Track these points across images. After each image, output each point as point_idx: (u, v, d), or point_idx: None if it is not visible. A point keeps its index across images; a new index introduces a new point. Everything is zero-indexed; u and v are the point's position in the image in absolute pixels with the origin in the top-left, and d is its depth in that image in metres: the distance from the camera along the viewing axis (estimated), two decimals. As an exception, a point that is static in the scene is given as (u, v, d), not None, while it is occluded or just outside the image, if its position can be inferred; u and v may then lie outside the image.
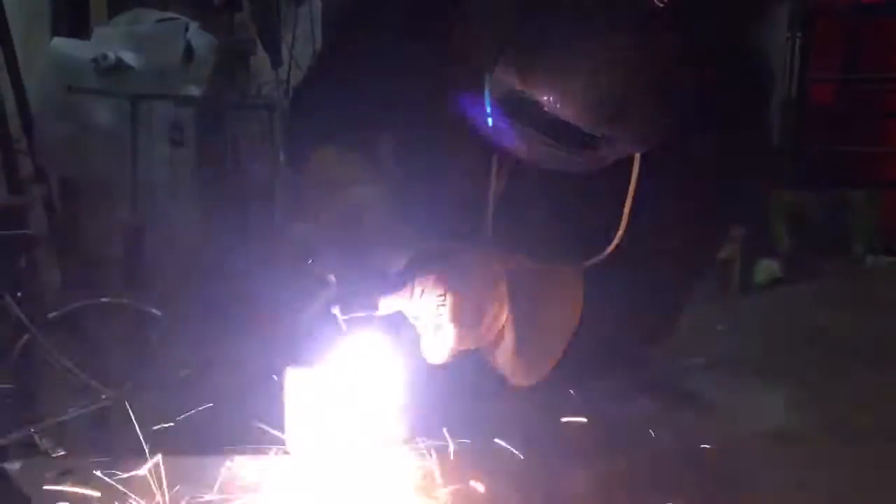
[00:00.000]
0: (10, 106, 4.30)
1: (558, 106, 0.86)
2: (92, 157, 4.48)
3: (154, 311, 3.28)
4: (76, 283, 4.43)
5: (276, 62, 4.91)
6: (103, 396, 2.94)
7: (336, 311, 0.97)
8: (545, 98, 0.86)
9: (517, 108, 0.88)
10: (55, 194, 4.68)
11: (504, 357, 1.03)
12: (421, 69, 1.11)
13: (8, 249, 2.84)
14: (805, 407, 1.07)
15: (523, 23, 0.87)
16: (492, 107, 0.91)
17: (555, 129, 0.88)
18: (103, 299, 3.20)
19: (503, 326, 1.01)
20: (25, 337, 2.87)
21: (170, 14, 4.69)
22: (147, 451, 0.85)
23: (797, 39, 5.42)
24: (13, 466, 0.82)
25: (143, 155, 4.24)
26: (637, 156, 1.05)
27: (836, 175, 5.13)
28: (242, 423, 0.91)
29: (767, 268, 4.61)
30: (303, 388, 0.88)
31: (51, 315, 2.97)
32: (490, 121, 0.92)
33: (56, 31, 4.76)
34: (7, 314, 2.81)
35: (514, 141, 0.93)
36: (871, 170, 5.17)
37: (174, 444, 0.87)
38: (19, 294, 2.81)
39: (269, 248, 4.00)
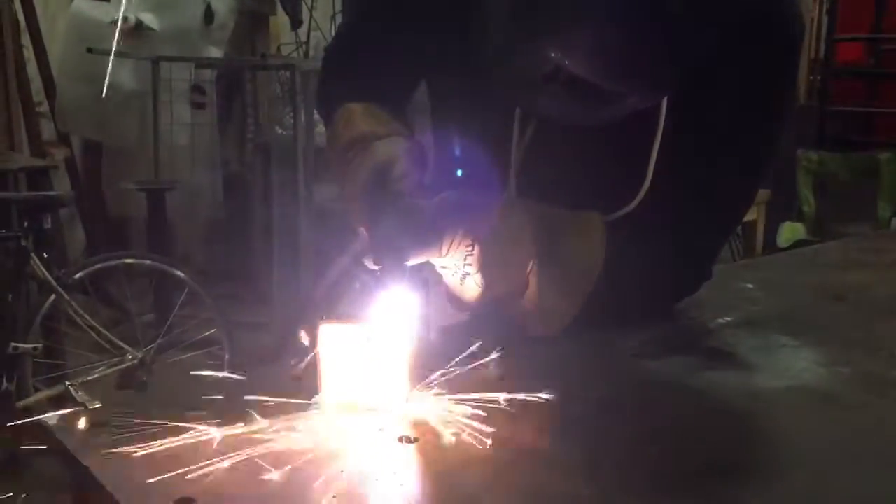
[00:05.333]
0: (32, 69, 4.32)
1: (565, 60, 0.85)
2: (113, 119, 4.50)
3: (177, 272, 3.31)
4: (101, 245, 4.48)
5: (295, 23, 4.90)
6: (128, 356, 3.00)
7: (368, 262, 0.97)
8: (553, 52, 0.85)
9: (530, 63, 0.87)
10: (78, 157, 4.72)
11: (527, 305, 1.04)
12: (448, 25, 1.10)
13: (34, 211, 2.86)
14: (837, 363, 1.06)
15: None
16: (506, 64, 0.90)
17: (567, 82, 0.87)
18: (127, 260, 3.24)
19: (528, 274, 1.01)
20: (52, 297, 2.92)
21: (190, -25, 4.67)
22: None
23: (825, -2, 5.34)
24: (51, 419, 0.83)
25: (164, 117, 4.25)
26: (662, 108, 1.04)
27: (864, 136, 5.06)
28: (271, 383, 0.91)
29: (792, 229, 4.57)
30: (336, 343, 0.88)
31: (76, 276, 3.02)
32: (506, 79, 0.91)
33: (76, -7, 4.76)
34: (34, 274, 2.85)
35: (526, 93, 0.92)
36: (899, 131, 5.11)
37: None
38: (45, 255, 2.84)
39: (291, 209, 4.02)
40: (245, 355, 3.54)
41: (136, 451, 0.76)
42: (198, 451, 0.77)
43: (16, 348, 2.65)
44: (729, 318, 1.23)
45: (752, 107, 1.06)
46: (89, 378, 2.91)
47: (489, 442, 0.80)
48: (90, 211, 4.61)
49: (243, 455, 0.76)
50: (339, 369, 0.88)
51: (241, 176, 4.86)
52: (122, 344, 2.95)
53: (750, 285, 1.39)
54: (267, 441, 0.79)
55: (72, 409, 0.87)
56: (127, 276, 3.51)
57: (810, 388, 0.99)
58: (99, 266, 3.09)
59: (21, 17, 4.24)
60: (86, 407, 0.86)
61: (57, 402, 2.72)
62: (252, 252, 4.59)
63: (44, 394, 2.25)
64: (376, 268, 0.96)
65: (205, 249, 4.87)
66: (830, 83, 5.23)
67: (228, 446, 0.78)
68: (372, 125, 1.10)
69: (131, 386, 3.02)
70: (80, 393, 0.88)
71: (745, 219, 4.20)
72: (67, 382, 1.36)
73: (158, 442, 0.78)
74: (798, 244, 4.30)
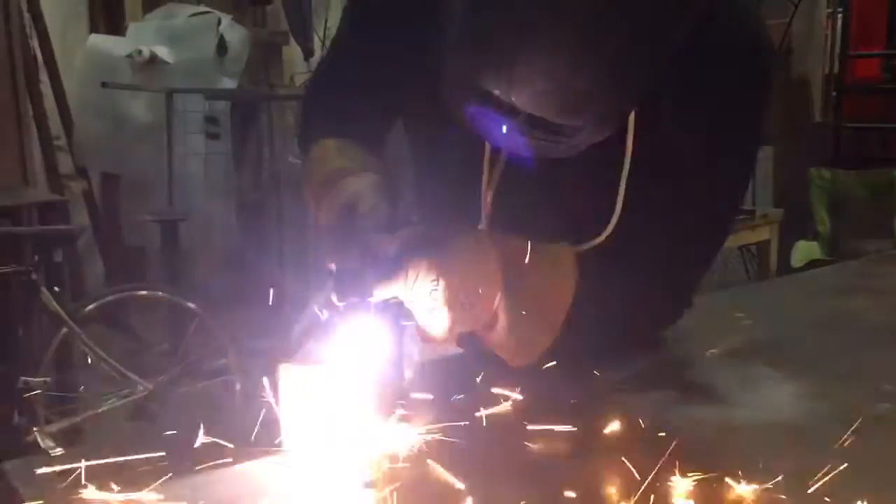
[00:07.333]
0: (49, 103, 4.39)
1: (512, 98, 0.85)
2: (129, 151, 4.56)
3: (189, 303, 3.33)
4: (119, 276, 4.53)
5: (307, 53, 4.94)
6: (139, 388, 3.01)
7: (333, 298, 0.97)
8: (500, 89, 0.85)
9: (483, 99, 0.88)
10: (96, 189, 4.79)
11: (499, 338, 1.04)
12: (420, 62, 1.11)
13: (45, 244, 2.90)
14: (818, 396, 1.04)
15: (474, 16, 0.87)
16: (461, 98, 0.91)
17: (522, 118, 0.87)
18: (139, 292, 3.26)
19: (497, 308, 1.01)
20: (63, 330, 2.95)
21: (203, 8, 4.74)
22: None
23: (838, 14, 5.29)
24: (10, 465, 0.83)
25: (178, 148, 4.29)
26: (629, 138, 1.04)
27: (879, 153, 4.99)
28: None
29: (807, 249, 4.51)
30: (296, 384, 0.88)
31: (88, 308, 3.04)
32: (465, 111, 0.92)
33: (93, 28, 4.85)
34: (45, 307, 2.88)
35: (486, 129, 0.92)
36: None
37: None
38: (56, 288, 2.87)
39: (303, 237, 4.03)
40: (258, 384, 3.54)
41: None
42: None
43: (26, 382, 2.67)
44: (715, 350, 1.21)
45: (722, 134, 1.05)
46: (100, 410, 2.93)
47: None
48: (108, 242, 4.67)
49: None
50: (301, 411, 0.88)
51: (257, 205, 4.90)
52: (132, 375, 2.97)
53: (740, 314, 1.37)
54: (225, 487, 0.79)
55: (35, 455, 0.87)
56: (142, 306, 3.54)
57: (786, 422, 0.97)
58: (110, 298, 3.12)
59: (39, 54, 4.33)
60: (48, 454, 0.86)
61: (65, 437, 2.74)
62: (266, 280, 4.61)
63: (38, 434, 2.25)
64: (341, 304, 0.96)
65: (220, 278, 4.90)
66: (845, 100, 5.17)
67: (183, 497, 0.77)
68: (343, 162, 1.11)
69: (143, 417, 3.03)
70: (46, 440, 0.88)
71: (759, 239, 4.16)
72: (35, 429, 1.37)
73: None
74: (813, 264, 4.23)
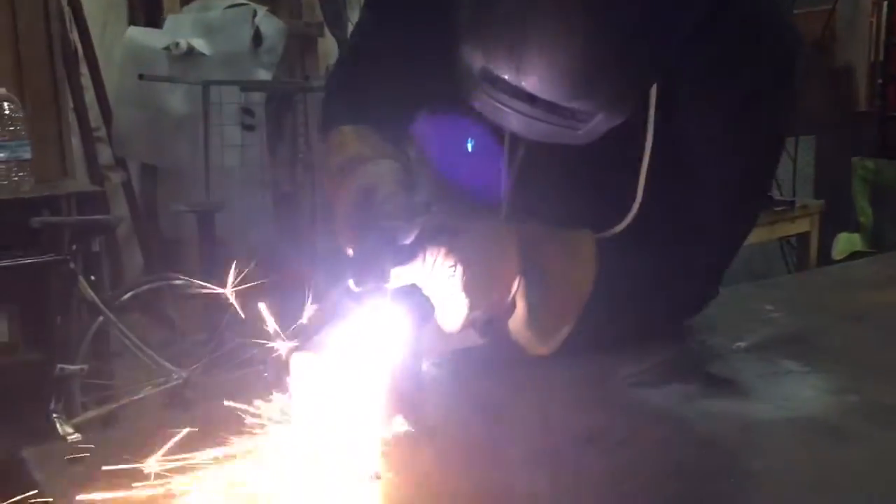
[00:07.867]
0: (89, 96, 4.46)
1: (523, 82, 0.84)
2: (167, 143, 4.61)
3: (224, 292, 3.36)
4: (157, 266, 4.58)
5: (343, 44, 4.94)
6: (174, 376, 3.05)
7: (350, 283, 0.97)
8: (510, 74, 0.85)
9: (496, 85, 0.87)
10: (136, 180, 4.85)
11: (517, 326, 1.03)
12: (439, 50, 1.10)
13: (83, 234, 2.95)
14: (844, 391, 1.01)
15: (483, 1, 0.86)
16: (475, 85, 0.90)
17: (535, 103, 0.86)
18: (174, 282, 3.30)
19: (515, 295, 1.00)
20: (100, 319, 2.99)
21: (239, 0, 4.77)
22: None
23: (884, 1, 5.15)
24: (29, 452, 0.84)
25: (214, 140, 4.33)
26: (650, 124, 1.02)
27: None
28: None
29: (848, 241, 4.41)
30: (309, 373, 0.88)
31: (124, 297, 3.09)
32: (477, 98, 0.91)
33: (132, 21, 4.90)
34: (83, 296, 2.93)
35: (501, 117, 0.91)
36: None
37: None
38: (93, 277, 2.92)
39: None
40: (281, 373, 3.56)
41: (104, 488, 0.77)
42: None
43: (63, 369, 2.72)
44: (740, 343, 1.19)
45: (742, 123, 1.03)
46: (136, 397, 2.98)
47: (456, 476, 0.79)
48: (146, 232, 4.73)
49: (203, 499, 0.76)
50: (311, 401, 0.88)
51: (292, 196, 4.93)
52: (166, 363, 3.01)
53: (769, 306, 1.34)
54: (230, 478, 0.79)
55: (53, 441, 0.88)
56: (178, 296, 3.58)
57: (809, 418, 0.94)
58: (146, 287, 3.16)
59: (79, 46, 4.39)
60: (65, 440, 0.86)
61: (105, 421, 2.79)
62: (299, 270, 4.64)
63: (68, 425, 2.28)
64: (358, 289, 0.96)
65: (256, 268, 4.94)
66: (890, 88, 5.04)
67: (189, 486, 0.78)
68: (362, 148, 1.11)
69: (178, 405, 3.08)
70: (64, 426, 0.88)
71: (799, 230, 4.07)
72: (55, 415, 1.39)
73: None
74: (854, 256, 4.14)
